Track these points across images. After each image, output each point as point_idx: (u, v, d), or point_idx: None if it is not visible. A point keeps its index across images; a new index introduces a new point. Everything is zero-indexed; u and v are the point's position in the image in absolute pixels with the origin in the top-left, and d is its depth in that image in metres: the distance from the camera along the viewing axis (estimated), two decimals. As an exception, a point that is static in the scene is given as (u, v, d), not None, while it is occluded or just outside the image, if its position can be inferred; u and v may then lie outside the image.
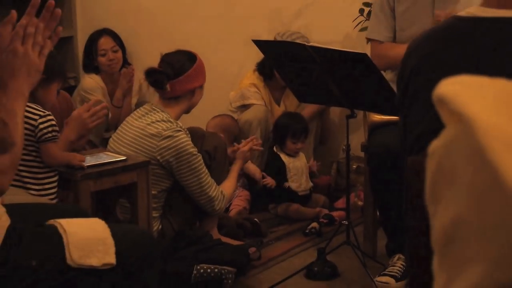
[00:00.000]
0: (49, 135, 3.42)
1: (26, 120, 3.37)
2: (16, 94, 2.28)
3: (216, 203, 4.09)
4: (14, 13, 2.36)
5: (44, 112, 3.45)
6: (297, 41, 4.64)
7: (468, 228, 0.77)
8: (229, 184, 4.27)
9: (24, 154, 3.41)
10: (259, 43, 3.98)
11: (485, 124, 0.72)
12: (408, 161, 1.84)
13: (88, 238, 2.42)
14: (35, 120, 3.40)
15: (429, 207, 0.86)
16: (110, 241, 2.44)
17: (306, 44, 3.78)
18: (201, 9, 5.88)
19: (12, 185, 3.36)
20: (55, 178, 3.51)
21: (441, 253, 0.84)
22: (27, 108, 3.40)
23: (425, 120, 1.97)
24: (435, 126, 0.87)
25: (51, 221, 2.45)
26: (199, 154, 4.00)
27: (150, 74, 4.03)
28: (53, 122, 3.45)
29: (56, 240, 2.37)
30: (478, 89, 0.79)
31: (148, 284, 2.60)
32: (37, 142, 3.42)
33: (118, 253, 2.43)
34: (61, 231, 2.39)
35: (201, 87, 4.12)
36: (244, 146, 4.47)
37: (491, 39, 1.86)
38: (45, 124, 3.41)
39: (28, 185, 3.42)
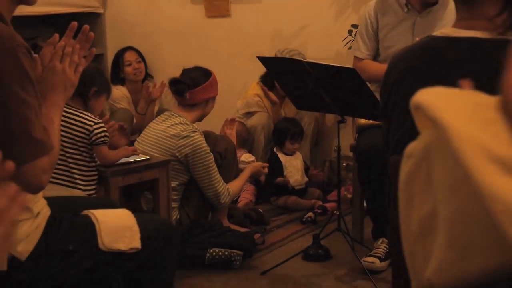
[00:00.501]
0: (102, 139, 3.47)
1: (81, 125, 3.45)
2: (53, 105, 2.28)
3: (221, 197, 4.10)
4: (56, 36, 2.36)
5: (97, 120, 3.51)
6: (295, 57, 4.65)
7: (442, 220, 0.77)
8: (237, 184, 4.29)
9: (76, 154, 3.45)
10: (263, 59, 3.98)
11: (458, 130, 0.71)
12: (391, 160, 1.83)
13: (117, 226, 2.42)
14: (91, 126, 3.45)
15: (402, 200, 0.86)
16: (136, 229, 2.44)
17: (303, 60, 3.79)
18: (212, 30, 5.88)
19: (63, 180, 3.41)
20: (97, 176, 3.54)
21: (417, 240, 0.84)
22: (83, 115, 3.47)
23: (405, 126, 1.96)
24: (413, 132, 0.87)
25: (85, 212, 2.46)
26: (211, 153, 4.03)
27: (173, 83, 4.10)
28: (105, 128, 3.51)
29: (89, 228, 2.37)
30: (450, 99, 0.79)
31: (168, 265, 2.60)
32: (90, 145, 3.47)
33: (142, 239, 2.44)
34: (94, 220, 2.39)
35: (213, 98, 4.17)
36: (261, 165, 4.60)
37: (460, 55, 1.86)
38: (99, 130, 3.46)
39: (77, 181, 3.45)
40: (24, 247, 2.21)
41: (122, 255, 2.39)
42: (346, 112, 3.80)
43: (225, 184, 4.13)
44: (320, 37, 5.35)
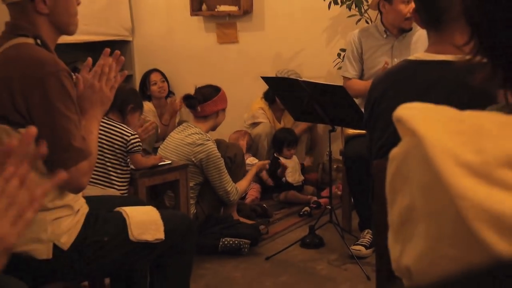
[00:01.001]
0: (136, 148, 3.51)
1: (120, 135, 3.48)
2: (92, 118, 2.29)
3: (230, 196, 4.09)
4: (90, 60, 2.37)
5: (133, 132, 3.54)
6: (292, 76, 4.67)
7: (418, 213, 0.77)
8: (244, 183, 4.28)
9: (114, 159, 3.47)
10: (265, 79, 3.99)
11: (431, 139, 0.71)
12: (374, 163, 1.83)
13: (144, 220, 2.42)
14: (128, 136, 3.48)
15: (388, 197, 0.86)
16: (160, 222, 2.44)
17: (299, 79, 3.79)
18: (223, 54, 5.89)
19: (102, 181, 3.43)
20: (129, 178, 3.55)
21: (397, 230, 0.84)
22: (122, 127, 3.51)
23: (385, 135, 1.96)
24: (393, 140, 0.87)
25: (118, 208, 2.45)
26: (222, 158, 4.03)
27: (186, 98, 4.10)
28: (139, 139, 3.54)
29: (121, 222, 2.37)
30: (425, 113, 0.79)
31: (187, 252, 2.60)
32: (126, 152, 3.49)
33: (166, 231, 2.44)
34: (125, 215, 2.39)
35: (223, 110, 4.15)
36: (263, 162, 4.60)
37: (431, 76, 1.86)
38: (134, 140, 3.49)
39: (113, 181, 3.46)
40: (66, 239, 2.21)
41: (148, 244, 2.39)
42: (336, 123, 3.80)
43: (234, 184, 4.12)
44: (313, 59, 5.36)
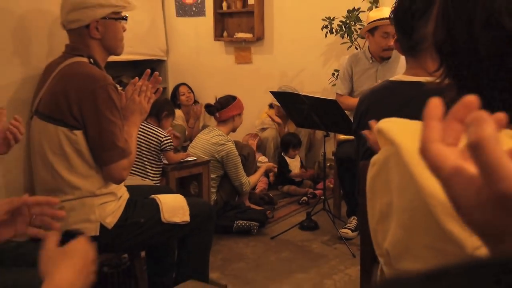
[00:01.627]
0: (169, 146, 3.52)
1: (156, 136, 3.50)
2: (132, 124, 2.30)
3: (244, 187, 4.09)
4: (136, 78, 2.38)
5: (166, 134, 3.57)
6: (287, 90, 4.65)
7: (396, 208, 0.77)
8: (255, 177, 4.28)
9: (149, 156, 3.49)
10: (273, 93, 3.98)
11: (406, 148, 0.71)
12: (360, 164, 1.82)
13: (173, 206, 2.42)
14: (162, 137, 3.51)
15: (368, 195, 0.86)
16: (186, 207, 2.45)
17: (301, 94, 3.79)
18: (239, 72, 5.89)
19: (139, 173, 3.44)
20: (162, 171, 3.56)
21: (378, 223, 0.83)
22: (157, 130, 3.55)
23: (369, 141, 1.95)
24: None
25: (152, 196, 2.46)
26: (239, 156, 4.03)
27: (206, 106, 4.12)
28: (171, 140, 3.56)
29: (155, 207, 2.38)
30: (401, 126, 0.78)
31: (208, 232, 2.60)
32: (160, 150, 3.51)
33: (191, 215, 2.44)
34: (158, 201, 2.40)
35: (239, 115, 4.13)
36: (270, 164, 4.65)
37: (408, 94, 1.85)
38: (167, 141, 3.51)
39: (149, 174, 3.48)
40: (110, 220, 2.22)
41: (177, 225, 2.40)
42: (330, 129, 3.79)
43: (247, 177, 4.12)
44: (312, 78, 5.35)
